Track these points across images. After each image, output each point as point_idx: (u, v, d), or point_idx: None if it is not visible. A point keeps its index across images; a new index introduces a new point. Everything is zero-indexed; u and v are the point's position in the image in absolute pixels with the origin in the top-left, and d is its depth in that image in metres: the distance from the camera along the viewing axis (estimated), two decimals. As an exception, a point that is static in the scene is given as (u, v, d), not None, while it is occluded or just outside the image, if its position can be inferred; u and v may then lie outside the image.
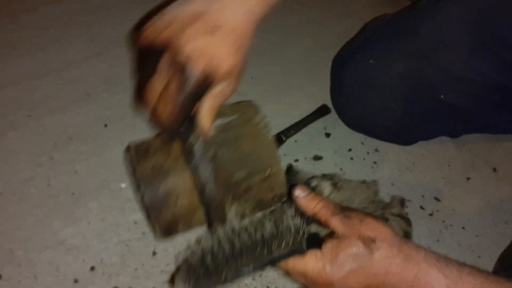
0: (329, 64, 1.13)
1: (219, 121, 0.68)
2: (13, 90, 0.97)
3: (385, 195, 0.95)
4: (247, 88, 1.11)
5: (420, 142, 1.07)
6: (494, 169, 1.05)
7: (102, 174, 0.86)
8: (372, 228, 0.59)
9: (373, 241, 0.58)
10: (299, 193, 0.65)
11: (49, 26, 1.13)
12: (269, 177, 0.69)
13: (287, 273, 0.65)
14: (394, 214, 0.75)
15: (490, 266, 0.86)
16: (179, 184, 0.67)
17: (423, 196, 0.97)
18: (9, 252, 0.74)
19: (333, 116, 1.08)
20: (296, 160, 0.97)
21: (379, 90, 0.98)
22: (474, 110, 0.96)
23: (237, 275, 0.59)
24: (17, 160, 0.86)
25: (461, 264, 0.58)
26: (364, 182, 0.79)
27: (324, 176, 0.78)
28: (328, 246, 0.59)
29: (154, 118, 0.63)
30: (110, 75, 1.05)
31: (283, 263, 0.62)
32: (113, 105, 0.99)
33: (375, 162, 1.01)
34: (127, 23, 1.17)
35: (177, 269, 0.63)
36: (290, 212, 0.65)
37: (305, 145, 1.01)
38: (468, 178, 1.02)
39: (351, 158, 1.01)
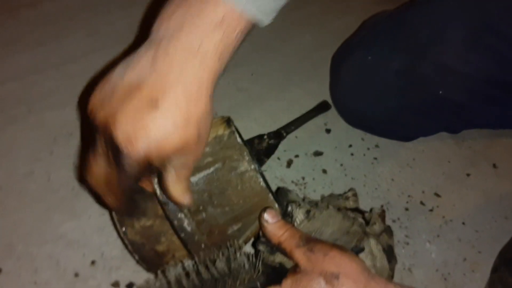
0: (329, 60, 1.13)
1: (201, 174, 0.63)
2: (13, 85, 0.97)
3: (385, 190, 0.95)
4: (247, 84, 1.11)
5: (420, 138, 1.07)
6: (494, 165, 1.05)
7: (102, 169, 0.86)
8: (337, 263, 0.55)
9: (336, 277, 0.54)
10: (268, 218, 0.61)
11: (49, 21, 1.13)
12: None
13: None
14: (377, 234, 0.74)
15: (490, 262, 0.86)
16: (173, 242, 0.65)
17: (423, 192, 0.97)
18: (9, 246, 0.74)
19: (333, 112, 1.08)
20: (297, 156, 0.97)
21: (377, 86, 0.98)
22: (473, 105, 0.96)
23: None
24: (16, 155, 0.86)
25: None
26: (341, 211, 0.75)
27: (304, 202, 0.76)
28: (287, 282, 0.56)
29: (100, 199, 0.57)
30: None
31: None
32: (113, 101, 0.98)
33: (375, 158, 1.01)
34: (126, 19, 1.17)
35: None
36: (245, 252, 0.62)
37: (305, 141, 1.01)
38: (468, 174, 1.02)
39: (352, 154, 1.01)
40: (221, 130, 0.65)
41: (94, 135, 0.53)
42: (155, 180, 0.60)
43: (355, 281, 0.54)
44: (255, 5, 0.51)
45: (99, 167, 0.53)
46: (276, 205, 0.66)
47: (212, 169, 0.63)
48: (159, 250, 0.65)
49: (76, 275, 0.73)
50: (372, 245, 0.70)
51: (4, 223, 0.77)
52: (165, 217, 0.62)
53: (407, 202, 0.94)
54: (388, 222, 0.89)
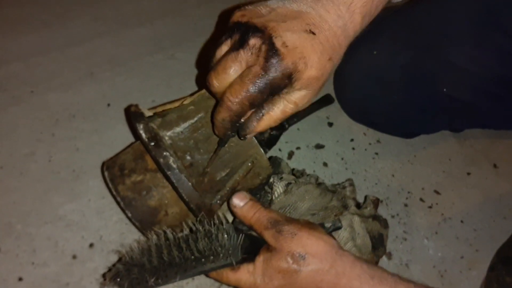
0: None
1: (186, 124, 0.66)
2: (17, 65, 0.97)
3: (385, 186, 0.95)
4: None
5: (422, 136, 1.07)
6: (495, 165, 1.05)
7: (103, 153, 0.86)
8: (304, 243, 0.58)
9: (302, 257, 0.57)
10: (237, 203, 0.64)
11: (54, 3, 1.12)
12: (253, 167, 0.68)
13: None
14: (365, 216, 0.75)
15: (487, 260, 0.87)
16: (164, 195, 0.67)
17: (423, 189, 0.97)
18: (8, 226, 0.74)
19: (336, 106, 1.08)
20: (298, 148, 0.97)
21: (381, 81, 0.97)
22: (477, 104, 0.96)
23: (163, 283, 0.60)
24: (18, 135, 0.86)
25: (397, 281, 0.58)
26: (320, 185, 0.78)
27: (287, 175, 0.77)
28: (260, 259, 0.59)
29: (226, 96, 0.57)
30: (114, 55, 1.04)
31: (217, 276, 0.62)
32: (116, 85, 0.98)
33: (376, 153, 1.01)
34: (133, 4, 1.17)
35: (109, 270, 0.64)
36: (226, 223, 0.64)
37: (307, 133, 1.01)
38: (468, 173, 1.02)
39: (353, 148, 1.01)
40: (207, 93, 0.68)
41: (243, 33, 0.55)
42: (141, 126, 0.63)
43: (321, 260, 0.57)
44: None
45: (238, 63, 0.56)
46: (261, 149, 0.68)
47: (196, 118, 0.67)
48: (151, 205, 0.66)
49: (74, 257, 0.73)
50: (355, 221, 0.72)
51: (4, 202, 0.77)
52: (150, 156, 0.64)
53: (406, 198, 0.94)
54: (387, 217, 0.89)
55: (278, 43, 0.53)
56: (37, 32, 1.04)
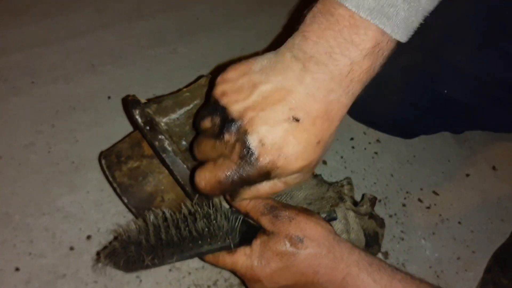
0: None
1: (182, 110, 0.67)
2: (18, 56, 0.96)
3: (384, 185, 0.95)
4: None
5: (422, 136, 1.07)
6: (494, 167, 1.05)
7: (103, 145, 0.85)
8: (302, 227, 0.58)
9: (300, 240, 0.57)
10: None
11: (58, -6, 1.12)
12: None
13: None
14: (361, 213, 0.75)
15: (484, 262, 0.87)
16: (160, 181, 0.67)
17: (421, 189, 0.97)
18: (6, 216, 0.74)
19: (336, 104, 1.08)
20: (298, 145, 0.97)
21: (383, 81, 0.96)
22: (478, 106, 0.95)
23: (160, 264, 0.59)
24: (18, 126, 0.85)
25: (394, 271, 0.57)
26: (317, 177, 0.78)
27: None
28: (257, 243, 0.59)
29: (198, 174, 0.57)
30: (115, 48, 1.04)
31: (213, 259, 0.62)
32: (117, 78, 0.98)
33: (376, 153, 1.01)
34: (136, -3, 1.17)
35: (104, 248, 0.63)
36: (225, 205, 0.64)
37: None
38: (467, 175, 1.03)
39: (353, 147, 1.01)
40: (203, 81, 0.69)
41: (218, 116, 0.53)
42: (136, 112, 0.64)
43: (319, 244, 0.57)
44: (402, 28, 0.51)
45: (215, 150, 0.54)
46: None
47: (191, 105, 0.67)
48: (147, 190, 0.67)
49: (71, 248, 0.73)
50: (349, 216, 0.72)
51: (2, 193, 0.77)
52: (146, 140, 0.65)
53: (405, 198, 0.94)
54: (385, 216, 0.89)
55: (253, 142, 0.51)
56: (39, 22, 1.04)
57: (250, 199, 0.60)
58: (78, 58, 1.00)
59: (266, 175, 0.53)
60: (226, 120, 0.52)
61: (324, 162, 0.96)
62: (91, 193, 0.80)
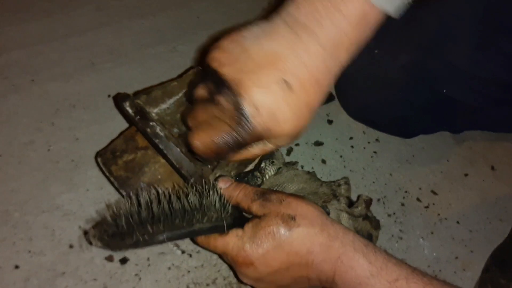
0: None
1: (171, 100, 0.68)
2: (18, 54, 0.96)
3: (383, 185, 0.96)
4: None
5: (421, 136, 1.07)
6: (492, 167, 1.05)
7: (103, 143, 0.86)
8: (293, 207, 0.58)
9: (292, 218, 0.56)
10: (222, 185, 0.64)
11: (58, -8, 1.12)
12: None
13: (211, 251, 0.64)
14: (354, 215, 0.75)
15: (482, 261, 0.87)
16: (157, 170, 0.68)
17: (420, 189, 0.97)
18: (5, 213, 0.74)
19: (336, 103, 1.08)
20: (297, 145, 0.97)
21: (382, 80, 0.97)
22: (477, 106, 0.96)
23: (150, 241, 0.56)
24: (18, 123, 0.86)
25: (390, 255, 0.57)
26: (309, 173, 0.78)
27: (278, 161, 0.78)
28: (249, 225, 0.59)
29: (193, 137, 0.58)
30: (115, 46, 1.04)
31: (203, 240, 0.61)
32: (117, 76, 0.98)
33: (375, 152, 1.01)
34: (136, -5, 1.17)
35: (93, 225, 0.59)
36: (218, 189, 0.63)
37: (307, 130, 1.01)
38: (466, 174, 1.03)
39: (352, 146, 1.01)
40: (191, 72, 0.71)
41: (212, 82, 0.55)
42: (127, 103, 0.64)
43: (311, 222, 0.57)
44: (391, 2, 0.53)
45: (209, 114, 0.55)
46: None
47: (180, 93, 0.68)
48: (145, 181, 0.67)
49: (71, 246, 0.73)
50: (342, 217, 0.71)
51: (2, 190, 0.77)
52: (138, 129, 0.66)
53: (403, 197, 0.95)
54: (384, 216, 0.89)
55: (247, 107, 0.52)
56: (39, 20, 1.04)
57: (240, 160, 0.61)
58: (78, 56, 1.00)
59: (258, 137, 0.54)
60: (219, 83, 0.54)
61: (323, 161, 0.96)
62: (91, 191, 0.80)
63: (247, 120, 0.52)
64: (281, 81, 0.52)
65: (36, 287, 0.68)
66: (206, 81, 0.56)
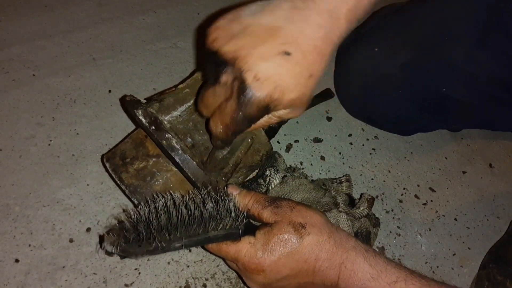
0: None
1: (183, 107, 0.68)
2: (19, 48, 0.97)
3: (381, 181, 0.96)
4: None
5: (419, 133, 1.08)
6: (490, 165, 1.06)
7: (103, 138, 0.86)
8: (303, 215, 0.59)
9: (303, 226, 0.58)
10: (231, 192, 0.64)
11: (59, -13, 1.12)
12: (252, 143, 0.70)
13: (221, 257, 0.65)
14: (355, 217, 0.75)
15: (479, 258, 0.88)
16: (168, 179, 0.68)
17: (418, 186, 0.98)
18: (6, 207, 0.75)
19: (336, 100, 1.08)
20: (296, 141, 0.98)
21: (381, 78, 0.98)
22: (475, 105, 0.96)
23: (168, 248, 0.57)
24: (19, 118, 0.86)
25: (388, 259, 0.59)
26: (314, 182, 0.79)
27: (282, 169, 0.78)
28: (261, 232, 0.59)
29: (210, 125, 0.59)
30: (116, 42, 1.04)
31: (216, 247, 0.61)
32: (118, 72, 0.99)
33: (373, 149, 1.02)
34: (137, -9, 1.17)
35: (109, 231, 0.59)
36: (233, 197, 0.64)
37: (306, 127, 1.01)
38: (464, 172, 1.03)
39: (351, 143, 1.01)
40: (200, 76, 0.70)
41: (217, 62, 0.54)
42: (139, 112, 0.64)
43: (320, 230, 0.58)
44: None
45: (216, 97, 0.56)
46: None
47: (192, 101, 0.68)
48: (156, 189, 0.67)
49: (71, 240, 0.74)
50: (341, 219, 0.72)
51: (3, 184, 0.77)
52: (153, 140, 0.65)
53: (402, 194, 0.95)
54: (382, 212, 0.90)
55: (249, 78, 0.52)
56: (40, 15, 1.04)
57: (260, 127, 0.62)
58: (79, 51, 1.00)
59: (265, 109, 0.55)
60: (220, 62, 0.54)
61: (322, 158, 0.96)
62: (91, 186, 0.80)
63: (250, 92, 0.53)
64: (281, 51, 0.53)
65: (36, 281, 0.69)
66: (208, 64, 0.56)
